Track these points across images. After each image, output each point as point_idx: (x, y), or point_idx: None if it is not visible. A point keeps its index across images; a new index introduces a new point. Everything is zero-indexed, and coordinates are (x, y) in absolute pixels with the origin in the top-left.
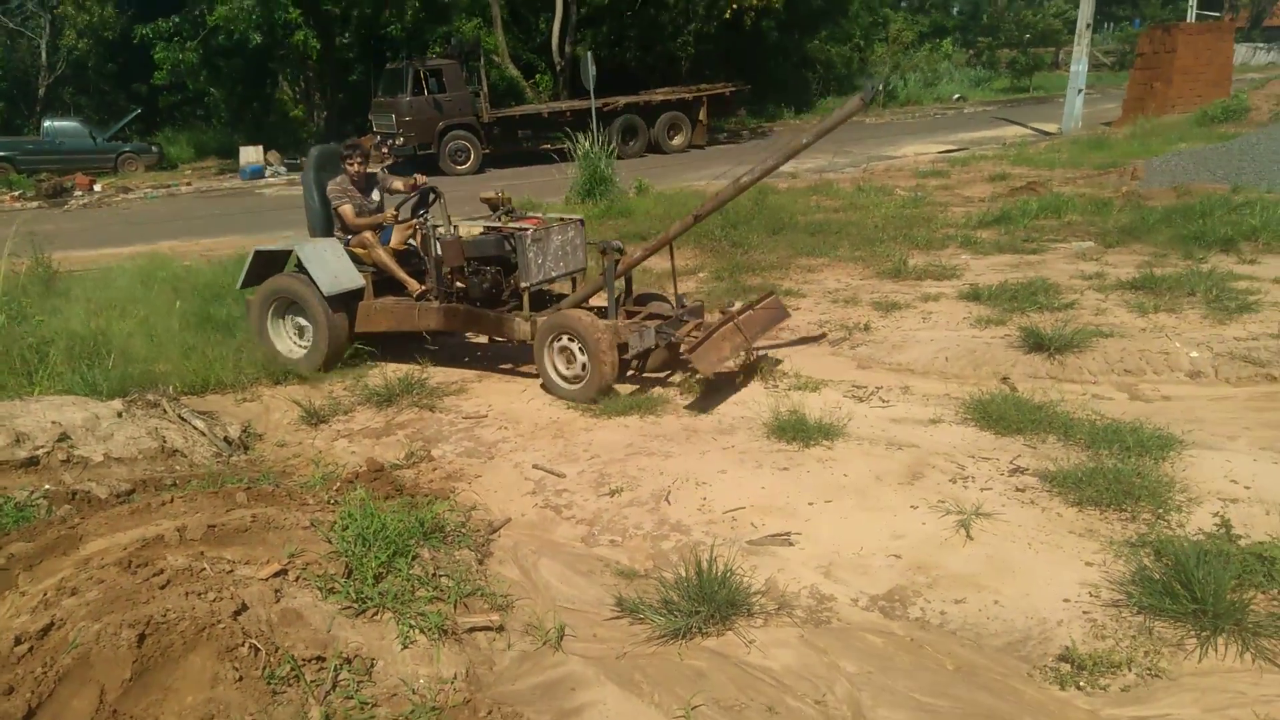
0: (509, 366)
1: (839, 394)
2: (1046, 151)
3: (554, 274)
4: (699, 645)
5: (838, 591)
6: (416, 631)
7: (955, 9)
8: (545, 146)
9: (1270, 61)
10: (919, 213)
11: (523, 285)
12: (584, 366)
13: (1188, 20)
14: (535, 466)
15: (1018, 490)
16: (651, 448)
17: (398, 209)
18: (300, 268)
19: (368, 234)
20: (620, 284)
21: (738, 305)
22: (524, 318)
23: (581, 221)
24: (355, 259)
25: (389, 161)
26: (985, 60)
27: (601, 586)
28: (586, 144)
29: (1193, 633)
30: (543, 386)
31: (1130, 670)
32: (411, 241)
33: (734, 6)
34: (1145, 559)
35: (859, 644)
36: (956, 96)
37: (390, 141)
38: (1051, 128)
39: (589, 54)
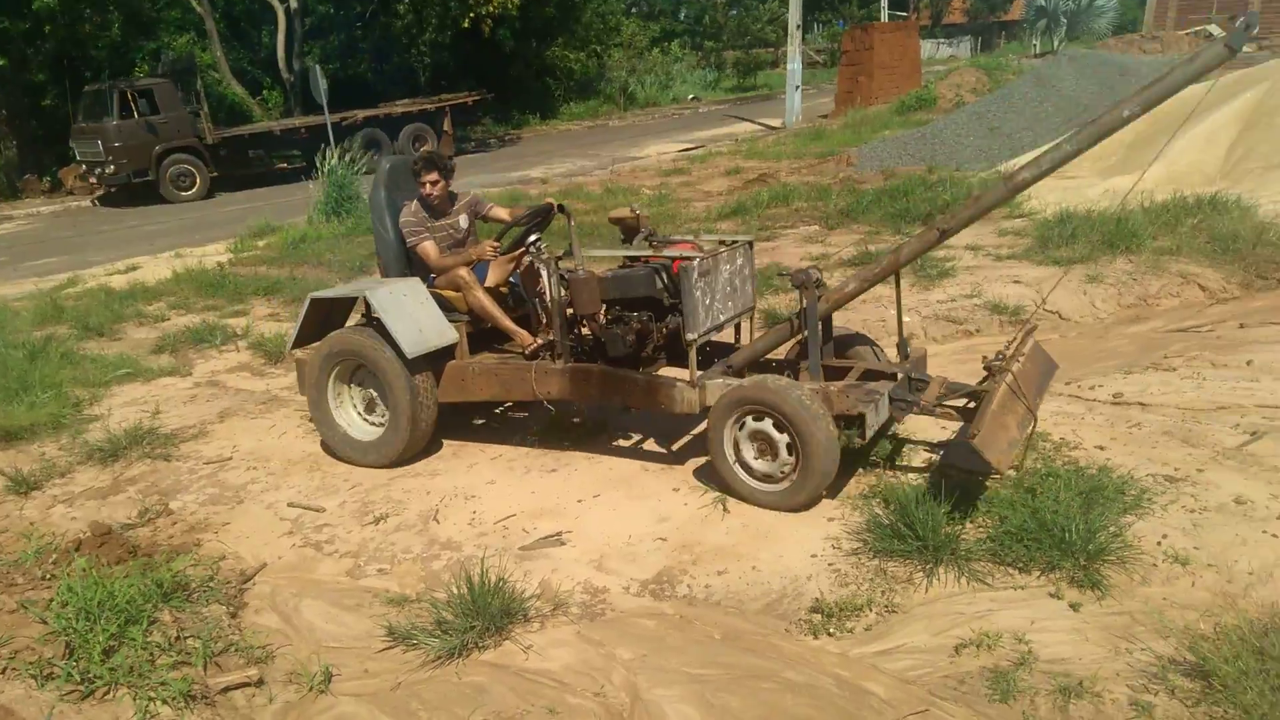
0: (260, 409)
1: None
2: (774, 145)
3: (723, 318)
4: (477, 661)
5: (610, 582)
6: (158, 703)
7: (682, 14)
8: (282, 166)
9: (950, 55)
10: (665, 210)
11: (688, 337)
12: (791, 458)
13: (882, 20)
14: (291, 505)
15: None
16: (416, 468)
17: (499, 238)
18: (369, 318)
19: (462, 271)
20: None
21: (1006, 356)
22: (688, 382)
23: (751, 243)
24: (443, 304)
25: (99, 192)
26: (713, 62)
27: (371, 619)
28: (331, 160)
29: (919, 567)
30: (727, 490)
31: (871, 610)
32: (514, 279)
33: (470, 15)
34: (876, 508)
35: (633, 630)
36: (691, 97)
37: (99, 170)
38: (776, 122)
39: (317, 66)
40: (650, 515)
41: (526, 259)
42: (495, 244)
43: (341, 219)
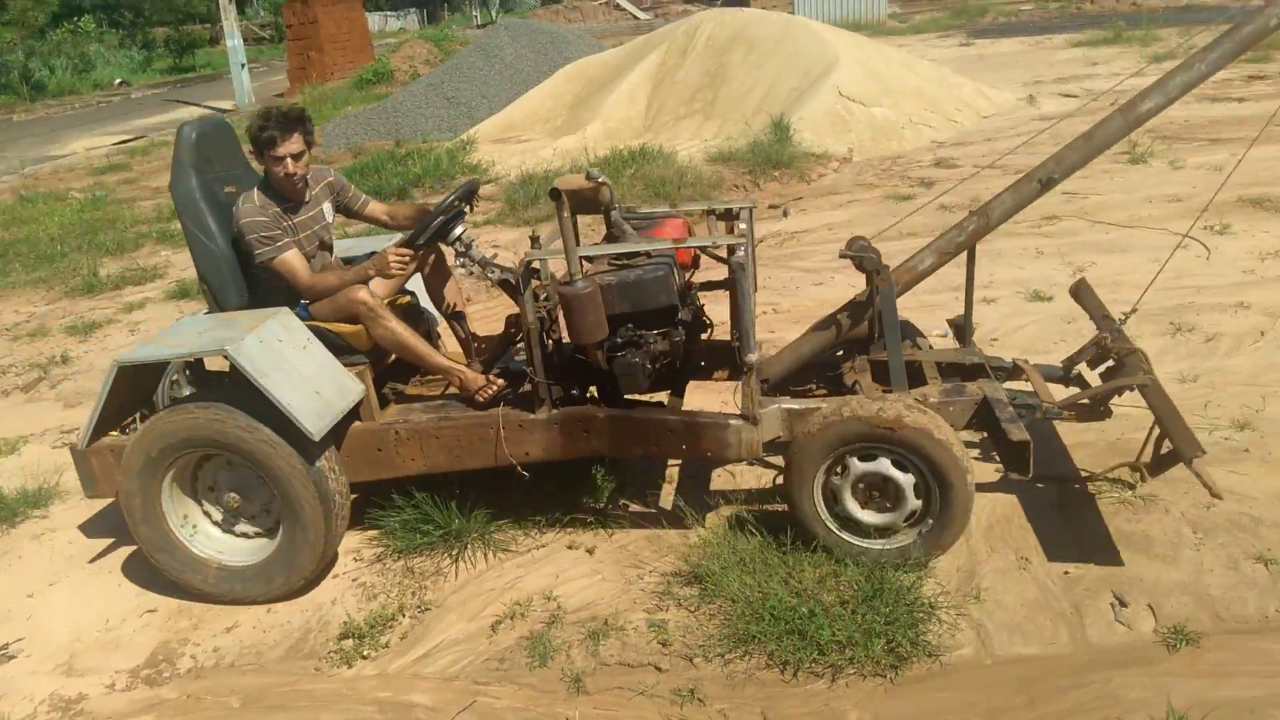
0: None
1: (47, 446)
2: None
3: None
4: None
5: (86, 686)
6: None
7: None
8: None
9: (401, 27)
10: (103, 215)
11: (748, 359)
12: (919, 502)
13: None
14: None
15: None
16: None
17: (414, 244)
18: (198, 381)
19: (361, 294)
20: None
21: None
22: (744, 418)
23: (753, 209)
24: (330, 342)
25: None
26: (140, 40)
27: None
28: None
29: (446, 555)
30: (800, 528)
31: (404, 616)
32: (412, 291)
33: None
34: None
35: None
36: (119, 81)
37: None
38: (229, 105)
39: None
40: (131, 586)
41: (438, 259)
42: (404, 252)
43: None
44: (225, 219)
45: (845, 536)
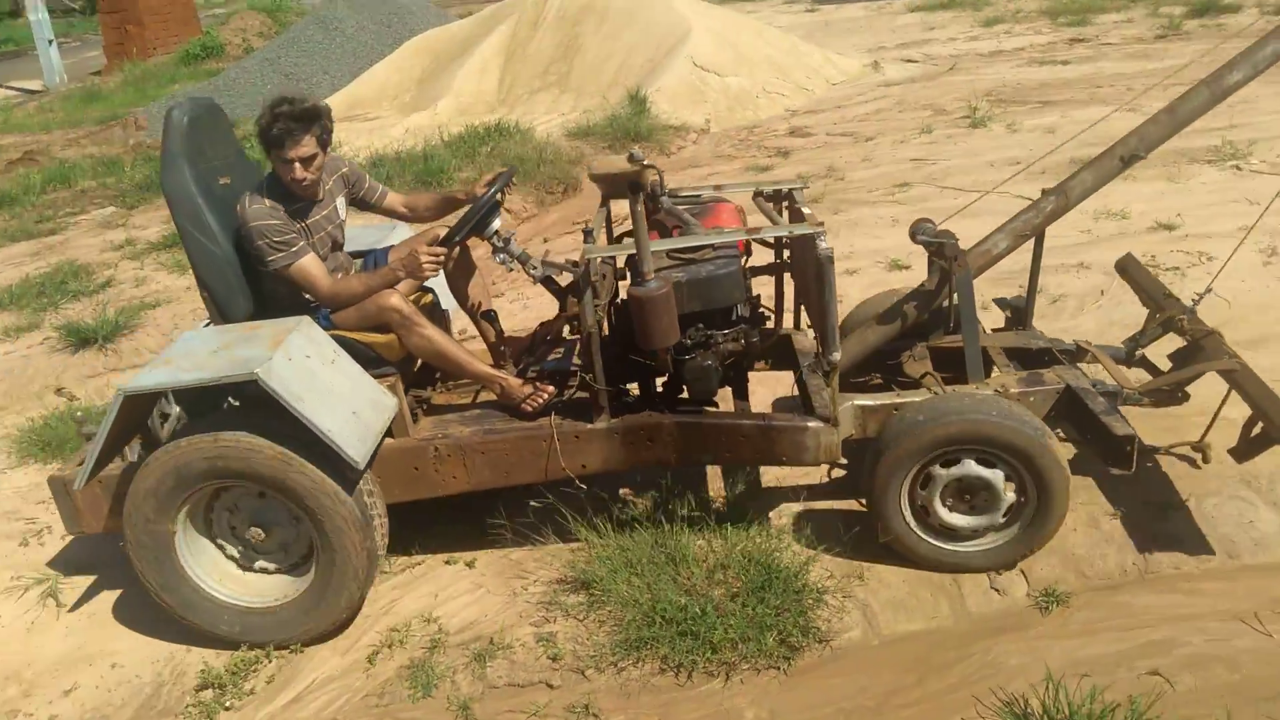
0: None
1: None
2: (38, 113)
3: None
4: None
5: None
6: None
7: None
8: None
9: None
10: None
11: (832, 357)
12: (1012, 498)
13: None
14: None
15: None
16: None
17: (450, 241)
18: (192, 408)
19: (394, 300)
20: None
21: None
22: (823, 419)
23: (804, 187)
24: (357, 352)
25: None
26: None
27: None
28: None
29: None
30: (887, 542)
31: (269, 657)
32: (431, 288)
33: None
34: None
35: None
36: None
37: None
38: (36, 85)
39: None
40: None
41: (463, 253)
42: (438, 251)
43: None
44: (226, 216)
45: (931, 542)
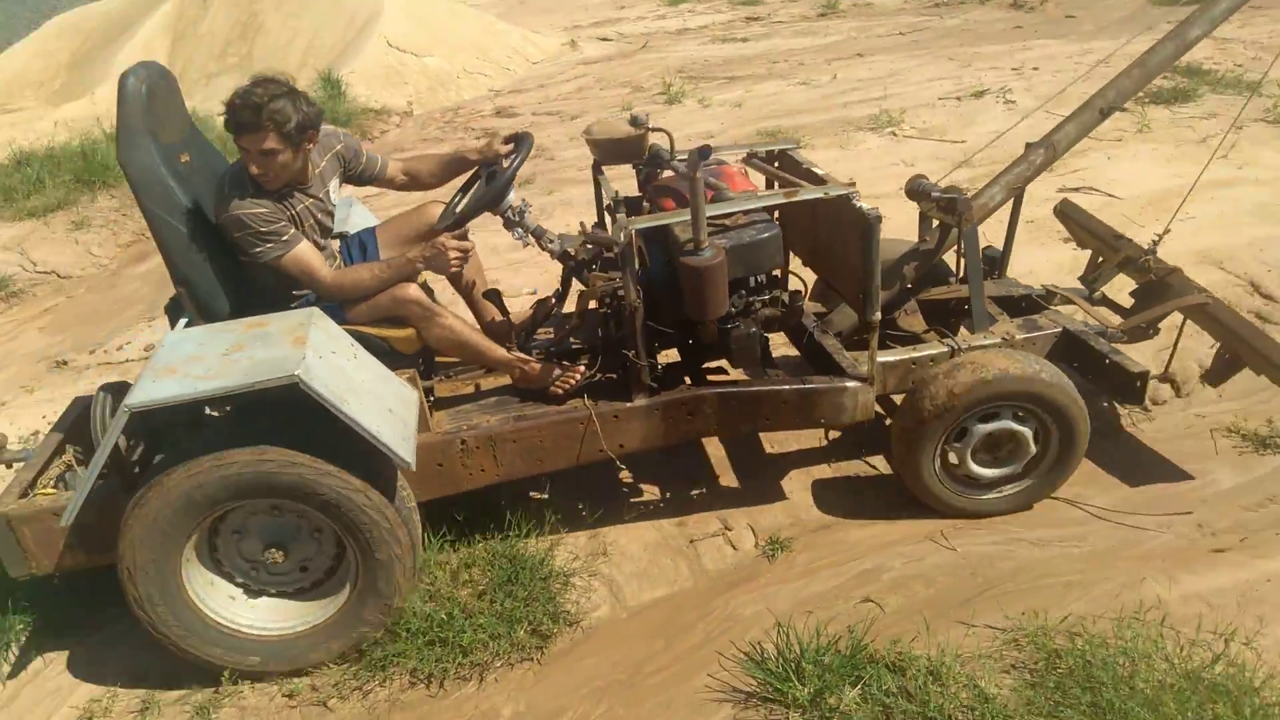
0: None
1: None
2: None
3: None
4: None
5: None
6: None
7: None
8: None
9: None
10: None
11: (874, 317)
12: (1036, 448)
13: None
14: None
15: None
16: None
17: (463, 223)
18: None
19: (412, 291)
20: None
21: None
22: (861, 379)
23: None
24: (370, 345)
25: None
26: None
27: None
28: None
29: None
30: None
31: None
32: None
33: None
34: None
35: None
36: None
37: None
38: None
39: None
40: None
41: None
42: (466, 245)
43: None
44: (197, 198)
45: (961, 492)
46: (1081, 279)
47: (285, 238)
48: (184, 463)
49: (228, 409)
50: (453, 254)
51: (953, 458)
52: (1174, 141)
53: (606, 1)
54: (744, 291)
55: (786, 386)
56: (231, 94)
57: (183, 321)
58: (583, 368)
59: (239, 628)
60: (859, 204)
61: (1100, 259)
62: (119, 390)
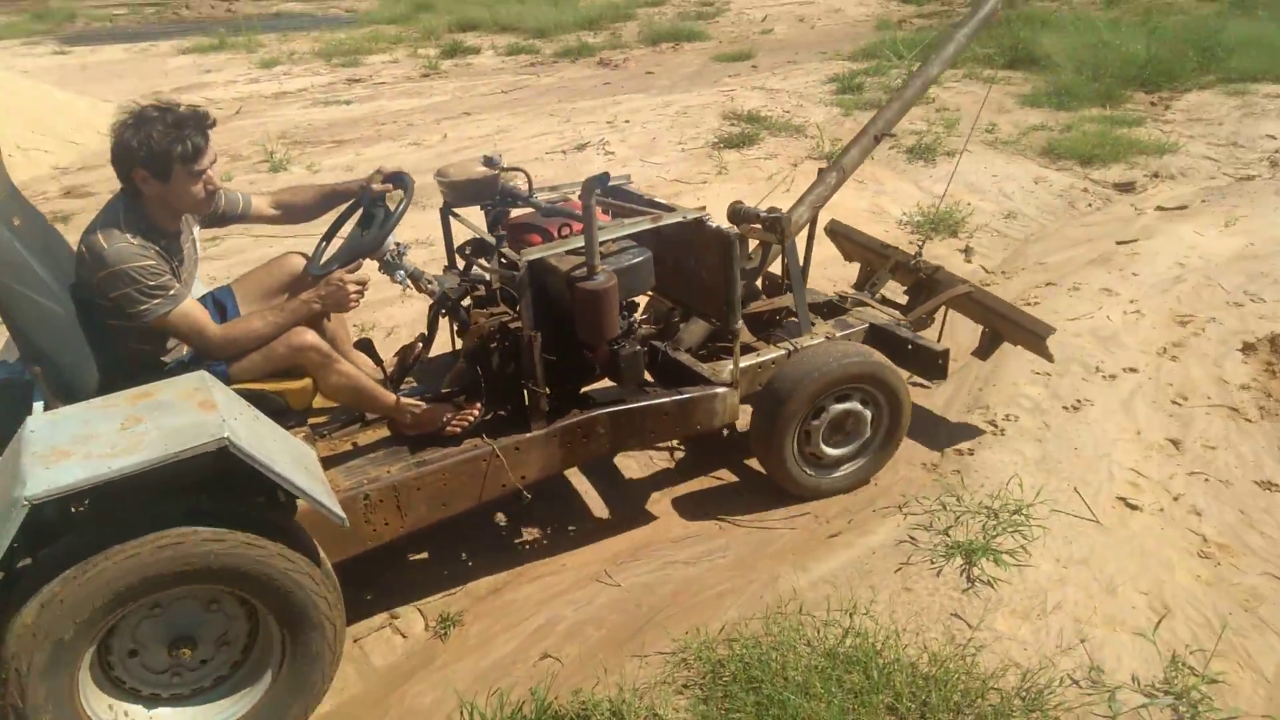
0: None
1: None
2: None
3: None
4: None
5: None
6: None
7: None
8: None
9: None
10: None
11: (735, 327)
12: (871, 430)
13: None
14: None
15: None
16: None
17: (390, 268)
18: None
19: (309, 337)
20: None
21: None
22: (727, 384)
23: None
24: (263, 402)
25: None
26: None
27: None
28: None
29: None
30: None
31: None
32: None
33: None
34: None
35: None
36: None
37: None
38: None
39: None
40: None
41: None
42: (364, 279)
43: None
44: (53, 266)
45: (811, 474)
46: (855, 286)
47: (172, 291)
48: (108, 548)
49: (85, 503)
50: (351, 289)
51: (809, 438)
52: (747, 180)
53: (189, 65)
54: (625, 313)
55: (666, 399)
56: (162, 123)
57: (38, 405)
58: (479, 406)
59: None
60: (715, 224)
61: (872, 267)
62: None
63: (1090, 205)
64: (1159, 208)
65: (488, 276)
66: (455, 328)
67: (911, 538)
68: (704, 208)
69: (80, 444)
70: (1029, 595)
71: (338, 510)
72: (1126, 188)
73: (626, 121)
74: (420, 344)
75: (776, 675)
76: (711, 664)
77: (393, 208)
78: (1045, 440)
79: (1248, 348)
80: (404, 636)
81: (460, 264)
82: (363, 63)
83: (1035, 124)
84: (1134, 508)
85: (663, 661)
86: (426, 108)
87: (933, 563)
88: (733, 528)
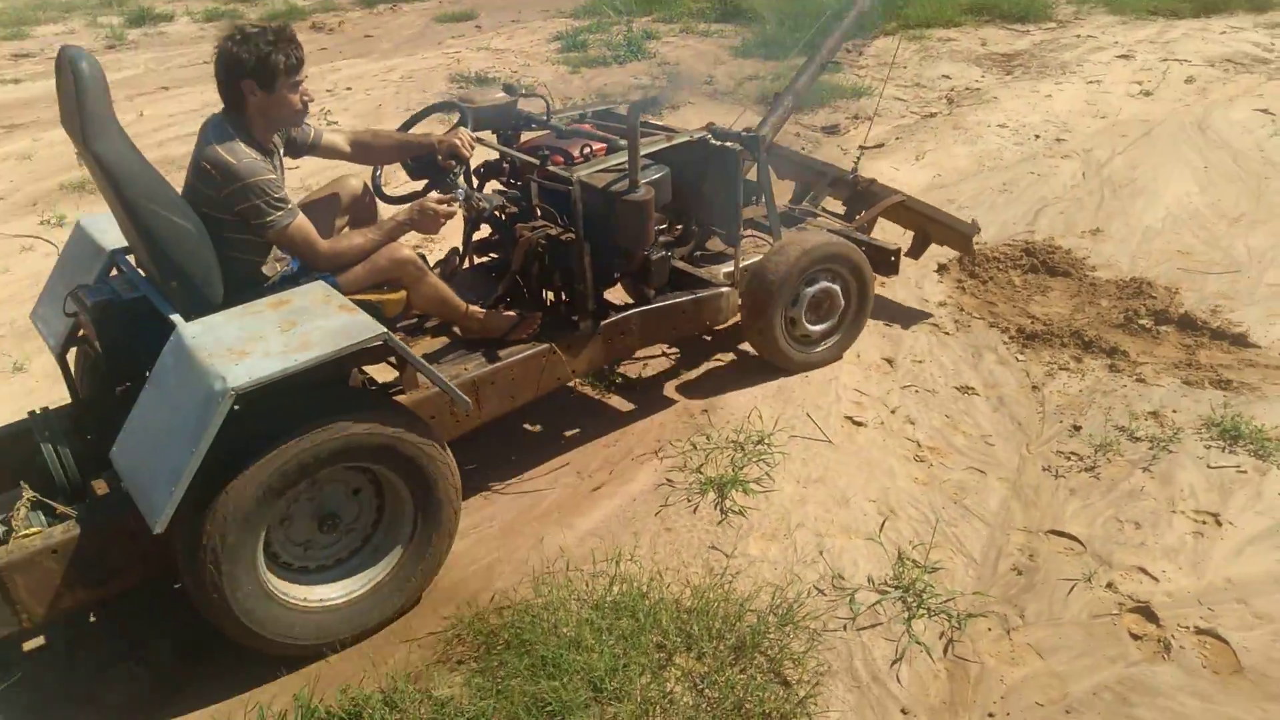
0: None
1: None
2: None
3: None
4: None
5: None
6: None
7: None
8: None
9: None
10: None
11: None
12: (843, 305)
13: None
14: None
15: None
16: None
17: (448, 189)
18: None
19: (405, 251)
20: None
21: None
22: (735, 285)
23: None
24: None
25: None
26: None
27: None
28: None
29: None
30: (773, 359)
31: None
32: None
33: None
34: None
35: None
36: None
37: None
38: None
39: None
40: None
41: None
42: (450, 209)
43: None
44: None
45: (800, 349)
46: (791, 202)
47: (291, 204)
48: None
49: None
50: (441, 211)
51: (793, 319)
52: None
53: None
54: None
55: (684, 298)
56: (258, 40)
57: (176, 317)
58: (539, 313)
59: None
60: (717, 142)
61: (808, 183)
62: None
63: (803, 149)
64: (861, 147)
65: (531, 194)
66: (498, 239)
67: (669, 480)
68: (705, 127)
69: (254, 343)
70: (776, 517)
71: (464, 397)
72: (832, 130)
73: (348, 89)
74: (456, 257)
75: (549, 634)
76: (484, 635)
77: (459, 144)
78: (780, 371)
79: (941, 268)
80: (148, 666)
81: (475, 184)
82: (30, 35)
83: (749, 74)
84: (859, 424)
85: (435, 641)
86: (117, 82)
87: (689, 500)
88: (499, 496)
